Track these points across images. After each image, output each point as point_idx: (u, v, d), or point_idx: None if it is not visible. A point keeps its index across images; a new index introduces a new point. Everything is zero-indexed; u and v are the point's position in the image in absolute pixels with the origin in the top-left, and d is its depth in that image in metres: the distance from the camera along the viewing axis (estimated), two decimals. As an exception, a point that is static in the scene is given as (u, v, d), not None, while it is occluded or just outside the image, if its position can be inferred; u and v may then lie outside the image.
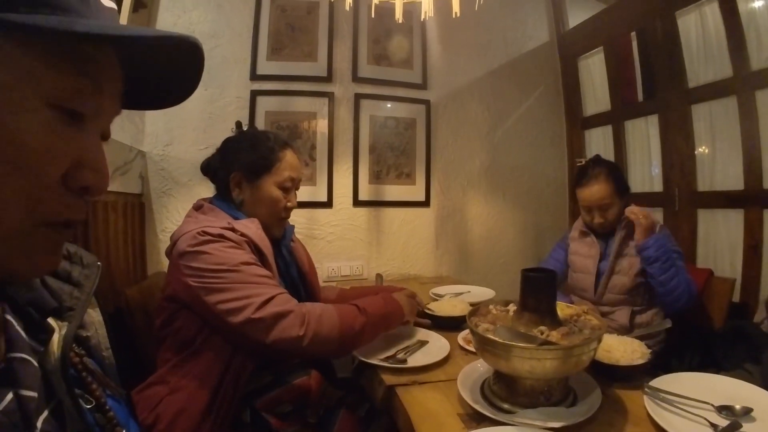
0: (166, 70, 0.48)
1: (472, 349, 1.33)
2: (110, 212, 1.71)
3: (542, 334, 0.97)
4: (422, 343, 1.38)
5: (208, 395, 1.08)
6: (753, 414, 0.92)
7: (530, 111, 2.84)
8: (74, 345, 0.52)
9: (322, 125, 2.37)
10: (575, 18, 2.83)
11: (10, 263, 0.40)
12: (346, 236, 2.46)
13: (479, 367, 1.17)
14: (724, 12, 1.94)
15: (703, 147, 2.16)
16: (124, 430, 0.52)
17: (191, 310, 1.12)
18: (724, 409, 0.94)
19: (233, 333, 1.06)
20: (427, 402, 1.07)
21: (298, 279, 1.42)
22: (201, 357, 1.12)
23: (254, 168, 1.27)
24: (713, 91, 2.05)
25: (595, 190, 1.75)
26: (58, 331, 0.48)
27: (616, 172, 1.81)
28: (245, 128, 1.41)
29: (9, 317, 0.45)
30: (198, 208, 1.27)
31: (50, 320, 0.49)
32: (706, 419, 0.91)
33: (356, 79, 2.41)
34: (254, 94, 2.25)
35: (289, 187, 1.31)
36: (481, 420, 0.95)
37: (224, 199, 1.31)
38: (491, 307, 1.17)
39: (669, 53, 2.20)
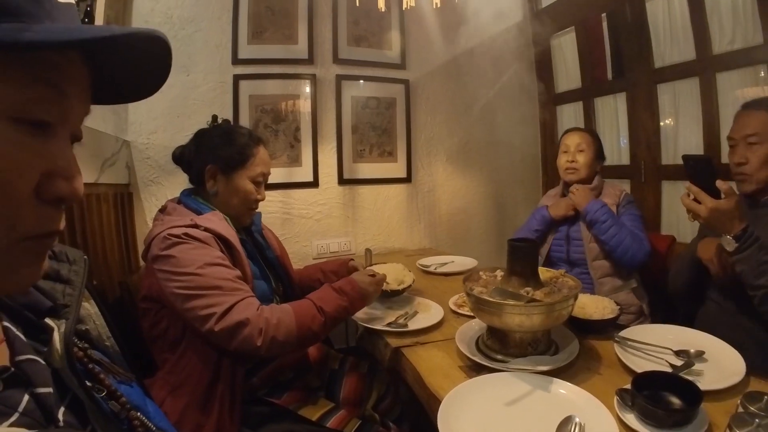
0: (133, 65, 0.47)
1: (463, 312, 1.59)
2: (102, 204, 1.78)
3: (528, 293, 1.20)
4: (418, 309, 1.61)
5: (207, 388, 1.19)
6: (705, 356, 1.17)
7: (505, 88, 3.06)
8: (76, 340, 0.54)
9: (305, 107, 2.50)
10: (548, -1, 3.04)
11: None
12: (333, 214, 2.64)
13: (473, 326, 1.40)
14: None
15: (668, 123, 2.43)
16: (139, 412, 0.56)
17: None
18: (681, 353, 1.18)
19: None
20: (431, 359, 1.29)
21: (274, 260, 1.57)
22: (194, 352, 1.21)
23: (230, 162, 1.38)
24: (677, 72, 2.31)
25: (576, 135, 2.10)
26: (57, 329, 0.50)
27: (596, 134, 2.16)
28: (220, 121, 1.51)
29: (7, 324, 0.47)
30: (163, 209, 1.38)
31: (48, 320, 0.51)
32: (666, 361, 1.16)
33: (337, 60, 2.55)
34: (237, 79, 2.35)
35: (261, 181, 1.43)
36: (480, 369, 1.18)
37: (193, 191, 1.43)
38: (481, 273, 1.41)
39: (637, 35, 2.45)
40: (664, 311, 1.98)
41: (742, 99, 1.97)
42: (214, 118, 1.52)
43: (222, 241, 1.27)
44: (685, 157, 1.35)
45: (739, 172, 1.45)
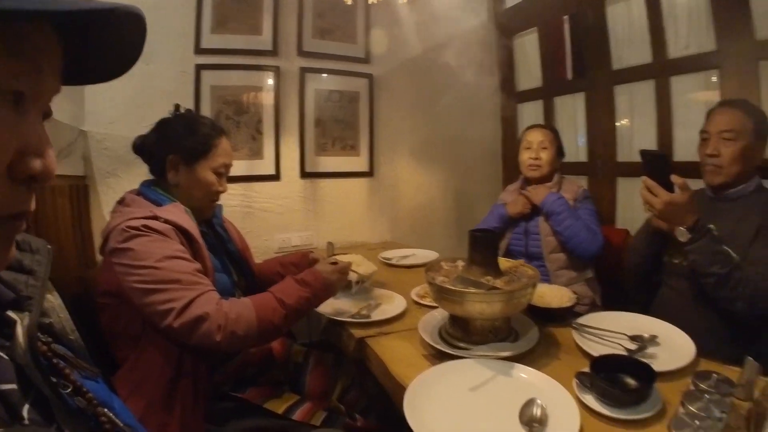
0: (105, 44, 0.46)
1: (425, 302, 1.61)
2: (57, 197, 1.70)
3: (489, 282, 1.22)
4: (381, 301, 1.62)
5: (170, 386, 1.15)
6: (657, 340, 1.22)
7: (467, 85, 3.05)
8: (39, 333, 0.52)
9: (268, 99, 2.46)
10: (513, -1, 3.10)
11: None
12: (295, 207, 2.61)
13: (436, 316, 1.41)
14: (648, 3, 2.26)
15: (624, 122, 2.52)
16: (106, 408, 0.54)
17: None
18: (635, 338, 1.23)
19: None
20: (395, 348, 1.29)
21: (236, 253, 1.55)
22: (155, 349, 1.17)
23: (192, 152, 1.34)
24: (634, 74, 2.40)
25: (539, 132, 2.16)
26: (20, 322, 0.48)
27: (557, 131, 2.24)
28: (183, 110, 1.47)
29: None
30: (121, 201, 1.33)
31: (10, 313, 0.49)
32: (622, 345, 1.20)
33: (301, 53, 2.51)
34: (199, 68, 2.29)
35: (223, 173, 1.41)
36: (443, 357, 1.19)
37: (153, 183, 1.39)
38: (443, 263, 1.43)
39: (597, 38, 2.52)
40: (616, 303, 2.03)
41: (695, 102, 2.14)
42: (177, 107, 1.47)
43: (183, 233, 1.23)
44: (642, 152, 1.41)
45: (710, 164, 1.53)
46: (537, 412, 0.90)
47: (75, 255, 1.82)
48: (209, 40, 2.31)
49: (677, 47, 2.20)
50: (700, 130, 1.60)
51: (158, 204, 1.30)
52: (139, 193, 1.35)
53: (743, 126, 1.47)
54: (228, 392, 1.30)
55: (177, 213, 1.26)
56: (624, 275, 1.92)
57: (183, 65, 2.28)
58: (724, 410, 0.77)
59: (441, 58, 2.89)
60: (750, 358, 0.94)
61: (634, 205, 2.46)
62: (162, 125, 1.40)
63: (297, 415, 1.27)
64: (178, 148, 1.34)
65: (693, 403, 0.79)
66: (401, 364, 1.19)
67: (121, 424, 0.54)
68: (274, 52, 2.45)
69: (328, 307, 1.51)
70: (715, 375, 0.85)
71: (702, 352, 1.16)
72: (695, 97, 2.18)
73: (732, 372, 0.98)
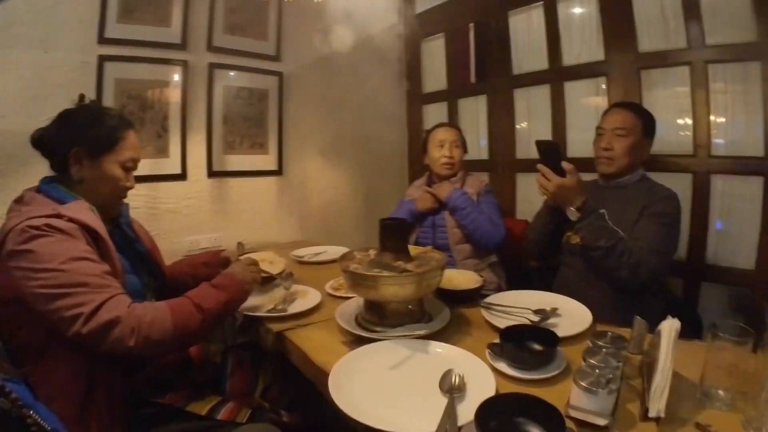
0: None
1: (340, 294, 1.62)
2: None
3: (401, 266, 1.25)
4: (296, 296, 1.60)
5: (83, 400, 1.07)
6: (558, 311, 1.33)
7: (376, 86, 3.14)
8: None
9: (175, 95, 2.33)
10: (422, 4, 3.20)
11: None
12: (203, 208, 2.49)
13: (351, 305, 1.43)
14: (546, 16, 2.47)
15: (522, 123, 2.70)
16: (32, 410, 0.52)
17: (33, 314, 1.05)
18: (538, 311, 1.32)
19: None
20: (314, 338, 1.29)
21: (145, 254, 1.46)
22: (63, 362, 1.07)
23: (98, 145, 1.24)
24: (532, 79, 2.59)
25: (450, 131, 2.25)
26: None
27: (461, 130, 2.33)
28: (88, 101, 1.35)
29: None
30: (19, 199, 1.21)
31: None
32: (526, 318, 1.29)
33: (211, 48, 2.41)
34: (102, 60, 2.10)
35: (130, 167, 1.32)
36: (362, 342, 1.20)
37: (55, 179, 1.27)
38: (356, 252, 1.44)
39: (499, 45, 2.70)
40: (520, 287, 2.17)
41: (585, 106, 2.38)
42: (81, 97, 1.34)
43: (89, 232, 1.13)
44: (537, 142, 1.58)
45: (604, 156, 1.74)
46: (456, 380, 0.94)
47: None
48: (114, 30, 2.12)
49: (571, 56, 2.42)
50: (597, 126, 1.80)
51: (61, 202, 1.18)
52: (39, 190, 1.22)
53: (634, 124, 1.69)
54: (147, 398, 1.22)
55: (82, 211, 1.15)
56: (526, 259, 2.06)
57: (84, 55, 2.07)
58: (620, 360, 0.84)
59: (350, 58, 2.92)
60: (638, 317, 1.05)
61: (532, 198, 2.64)
62: (64, 117, 1.27)
63: (222, 415, 1.22)
64: (82, 140, 1.22)
65: (593, 357, 0.86)
66: (322, 352, 1.18)
67: (49, 428, 0.52)
68: (182, 46, 2.32)
69: (243, 305, 1.45)
70: (609, 333, 0.93)
71: (597, 319, 1.29)
72: (586, 101, 2.40)
73: (624, 332, 1.08)
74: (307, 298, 1.57)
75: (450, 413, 0.82)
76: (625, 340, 0.94)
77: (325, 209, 3.01)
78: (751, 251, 1.88)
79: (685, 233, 1.90)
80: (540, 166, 1.56)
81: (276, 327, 1.36)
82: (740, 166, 1.89)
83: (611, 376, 0.79)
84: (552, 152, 1.56)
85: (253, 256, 1.58)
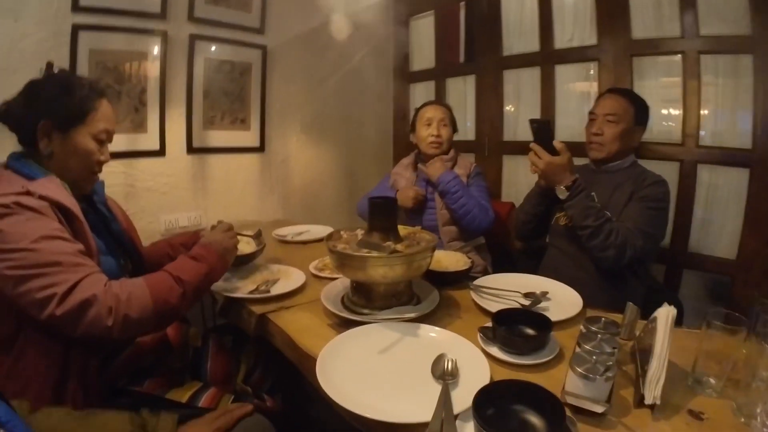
0: None
1: (324, 275, 1.58)
2: None
3: (390, 246, 1.21)
4: (279, 276, 1.55)
5: (56, 390, 1.02)
6: (548, 295, 1.32)
7: (362, 63, 3.07)
8: None
9: (153, 67, 2.22)
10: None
11: None
12: (181, 186, 2.41)
13: (337, 285, 1.39)
14: None
15: (510, 105, 2.67)
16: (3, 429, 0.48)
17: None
18: (528, 295, 1.31)
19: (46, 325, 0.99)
20: (298, 321, 1.25)
21: (121, 234, 1.39)
22: (35, 350, 1.03)
23: (67, 117, 1.17)
24: (522, 61, 2.55)
25: (438, 109, 2.19)
26: None
27: (452, 109, 2.28)
28: (56, 70, 1.26)
29: None
30: None
31: None
32: (517, 301, 1.27)
33: (192, 18, 2.29)
34: (76, 29, 1.97)
35: (104, 139, 1.24)
36: (349, 324, 1.16)
37: (24, 154, 1.19)
38: (342, 232, 1.40)
39: (490, 25, 2.65)
40: (505, 269, 2.16)
41: (573, 90, 2.36)
42: (49, 65, 1.25)
43: (61, 210, 1.06)
44: (531, 121, 1.57)
45: (594, 141, 1.74)
46: (448, 365, 0.91)
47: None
48: (89, -3, 2.00)
49: (563, 39, 2.38)
50: (589, 111, 1.80)
51: (31, 178, 1.11)
52: (7, 166, 1.15)
53: (626, 111, 1.69)
54: (124, 387, 1.17)
55: (54, 188, 1.09)
56: (511, 241, 2.05)
57: (57, 24, 1.94)
58: (615, 347, 0.82)
59: (337, 34, 2.85)
60: (631, 303, 1.04)
61: (517, 180, 2.64)
62: (31, 87, 1.19)
63: (203, 402, 1.17)
64: (50, 112, 1.14)
65: (588, 342, 0.84)
66: (307, 335, 1.15)
67: None
68: (162, 16, 2.20)
69: (224, 287, 1.43)
70: (603, 318, 0.92)
71: (584, 298, 1.29)
72: (575, 86, 2.38)
73: (616, 317, 1.07)
74: (291, 278, 1.53)
75: (445, 400, 0.79)
76: (618, 325, 0.93)
77: (308, 188, 2.95)
78: (734, 241, 1.91)
79: (669, 221, 1.91)
80: (532, 144, 1.57)
81: (259, 309, 1.31)
82: (727, 157, 1.90)
83: (610, 363, 0.77)
84: (544, 131, 1.57)
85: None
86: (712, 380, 0.88)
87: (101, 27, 2.04)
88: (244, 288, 1.44)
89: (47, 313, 0.94)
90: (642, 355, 0.90)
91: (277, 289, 1.43)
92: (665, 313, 0.85)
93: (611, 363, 0.77)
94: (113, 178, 2.14)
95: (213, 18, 2.36)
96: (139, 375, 1.21)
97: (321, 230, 2.26)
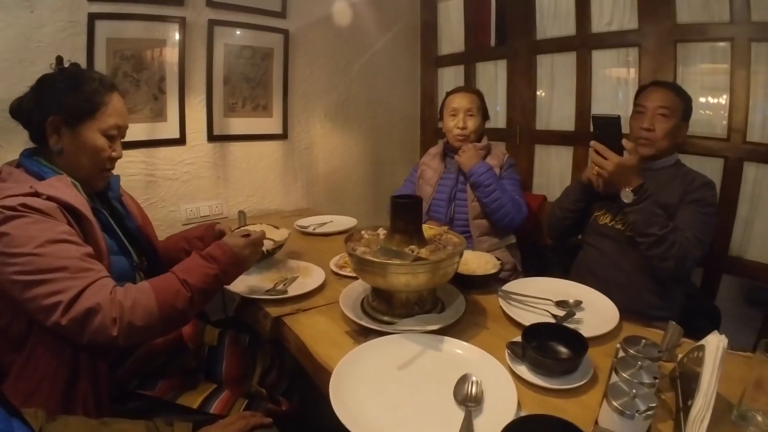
0: None
1: (345, 273, 1.53)
2: None
3: (413, 252, 1.15)
4: (298, 274, 1.51)
5: (66, 391, 1.01)
6: (582, 305, 1.23)
7: (387, 47, 2.99)
8: None
9: (172, 54, 2.19)
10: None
11: None
12: (202, 174, 2.39)
13: (357, 288, 1.34)
14: None
15: (543, 92, 2.55)
16: None
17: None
18: (561, 303, 1.24)
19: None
20: (315, 326, 1.20)
21: (135, 231, 1.37)
22: (45, 350, 1.02)
23: (76, 112, 1.14)
24: (557, 45, 2.42)
25: (465, 97, 2.08)
26: None
27: (482, 95, 2.16)
28: (67, 64, 1.24)
29: None
30: None
31: None
32: (548, 311, 1.20)
33: (211, 3, 2.24)
34: (93, 18, 1.95)
35: (115, 135, 1.21)
36: (368, 333, 1.12)
37: (35, 152, 1.18)
38: (363, 232, 1.34)
39: (523, 7, 2.51)
40: (536, 267, 2.09)
41: (611, 77, 2.23)
42: (59, 59, 1.23)
43: (69, 211, 1.04)
44: (595, 117, 1.47)
45: (644, 137, 1.61)
46: (472, 389, 0.85)
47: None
48: (105, -16, 1.97)
49: (600, 23, 2.24)
50: (636, 104, 1.68)
51: (40, 177, 1.09)
52: (18, 164, 1.14)
53: (676, 106, 1.58)
54: (134, 390, 1.16)
55: (62, 188, 1.06)
56: (542, 237, 1.96)
57: (73, 14, 1.92)
58: (655, 376, 0.76)
59: (361, 16, 2.78)
60: (673, 323, 0.96)
61: (550, 171, 2.54)
62: (41, 83, 1.17)
63: (214, 408, 1.15)
64: (58, 107, 1.12)
65: (625, 369, 0.77)
66: (323, 343, 1.11)
67: None
68: (179, 2, 2.16)
69: (240, 284, 1.39)
70: (643, 340, 0.85)
71: (620, 302, 1.23)
72: (613, 72, 2.24)
73: (655, 333, 1.00)
74: (310, 277, 1.49)
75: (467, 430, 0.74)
76: (658, 348, 0.86)
77: (332, 176, 2.91)
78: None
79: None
80: (595, 142, 1.46)
81: (274, 311, 1.28)
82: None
83: (653, 404, 0.70)
84: (611, 128, 1.44)
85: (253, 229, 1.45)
86: (759, 417, 0.79)
87: (118, 15, 2.01)
88: (260, 286, 1.41)
89: (53, 321, 0.92)
90: (684, 383, 0.82)
91: (294, 289, 1.39)
92: (715, 343, 0.77)
93: (654, 404, 0.70)
94: (133, 167, 2.14)
95: (232, 2, 2.31)
96: (152, 376, 1.19)
97: (344, 221, 2.24)
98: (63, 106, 1.13)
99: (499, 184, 1.94)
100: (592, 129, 1.48)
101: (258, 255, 1.26)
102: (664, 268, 1.44)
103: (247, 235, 1.23)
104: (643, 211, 1.43)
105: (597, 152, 1.45)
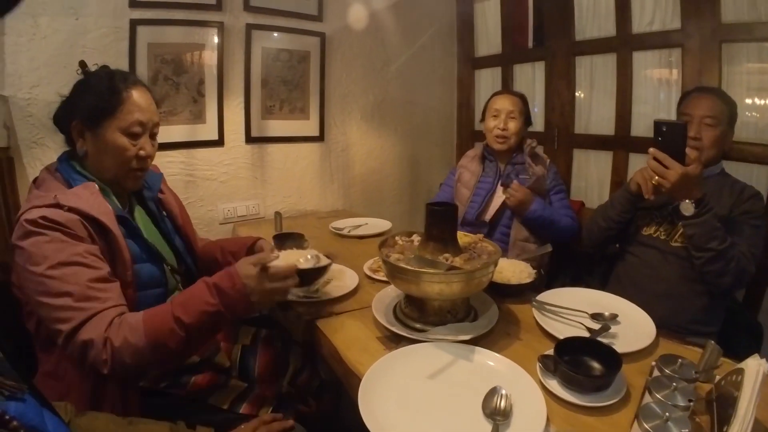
0: None
1: (378, 277, 1.54)
2: None
3: (447, 260, 1.16)
4: (332, 276, 1.52)
5: (94, 392, 1.03)
6: (618, 318, 1.21)
7: (424, 48, 3.00)
8: None
9: (210, 58, 2.27)
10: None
11: None
12: (240, 175, 2.46)
13: (390, 293, 1.36)
14: None
15: (582, 95, 2.51)
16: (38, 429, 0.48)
17: None
18: (596, 316, 1.22)
19: None
20: (346, 330, 1.22)
21: (172, 232, 1.38)
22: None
23: (93, 113, 1.13)
24: (596, 46, 2.38)
25: (507, 99, 2.08)
26: None
27: (526, 99, 2.15)
28: (94, 68, 1.23)
29: None
30: (35, 181, 1.16)
31: None
32: (582, 324, 1.19)
33: (248, 8, 2.32)
34: (134, 24, 2.05)
35: (139, 132, 1.18)
36: (399, 340, 1.13)
37: (71, 154, 1.21)
38: (397, 238, 1.35)
39: (562, 7, 2.48)
40: (571, 275, 2.06)
41: (653, 78, 2.18)
42: (82, 64, 1.23)
43: (91, 222, 1.05)
44: (658, 122, 1.38)
45: (691, 146, 1.52)
46: (501, 403, 0.86)
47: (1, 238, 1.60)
48: (146, -8, 2.06)
49: (642, 23, 2.19)
50: (680, 112, 1.63)
51: (70, 184, 1.12)
52: (57, 168, 1.17)
53: (722, 113, 1.53)
54: (165, 389, 1.18)
55: (86, 197, 1.07)
56: (578, 244, 1.95)
57: (116, 20, 2.02)
58: (690, 398, 0.75)
59: (397, 18, 2.80)
60: (711, 342, 0.94)
61: (588, 176, 2.50)
62: (73, 88, 1.20)
63: (243, 408, 1.18)
64: (78, 111, 1.15)
65: (660, 390, 0.77)
66: (354, 349, 1.12)
67: None
68: (218, 7, 2.24)
69: None
70: (680, 359, 0.84)
71: (660, 315, 1.21)
72: (655, 74, 2.19)
73: (693, 352, 0.98)
74: (343, 280, 1.51)
75: (493, 446, 0.75)
76: (695, 369, 0.84)
77: (369, 177, 2.95)
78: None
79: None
80: (655, 150, 1.37)
81: (307, 314, 1.30)
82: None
83: (686, 429, 0.69)
84: (676, 136, 1.35)
85: (286, 254, 1.31)
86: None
87: (158, 21, 2.10)
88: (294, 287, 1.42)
89: (60, 344, 0.97)
90: (720, 407, 0.81)
91: (328, 292, 1.41)
92: (755, 368, 0.75)
93: (686, 430, 0.69)
94: (173, 167, 2.23)
95: (269, 6, 2.38)
96: (184, 374, 1.20)
97: (379, 224, 2.27)
98: (81, 109, 1.15)
99: (552, 215, 1.94)
100: (653, 135, 1.39)
101: (285, 292, 1.12)
102: (720, 284, 1.41)
103: (263, 267, 1.05)
104: (703, 225, 1.38)
105: (657, 160, 1.37)
